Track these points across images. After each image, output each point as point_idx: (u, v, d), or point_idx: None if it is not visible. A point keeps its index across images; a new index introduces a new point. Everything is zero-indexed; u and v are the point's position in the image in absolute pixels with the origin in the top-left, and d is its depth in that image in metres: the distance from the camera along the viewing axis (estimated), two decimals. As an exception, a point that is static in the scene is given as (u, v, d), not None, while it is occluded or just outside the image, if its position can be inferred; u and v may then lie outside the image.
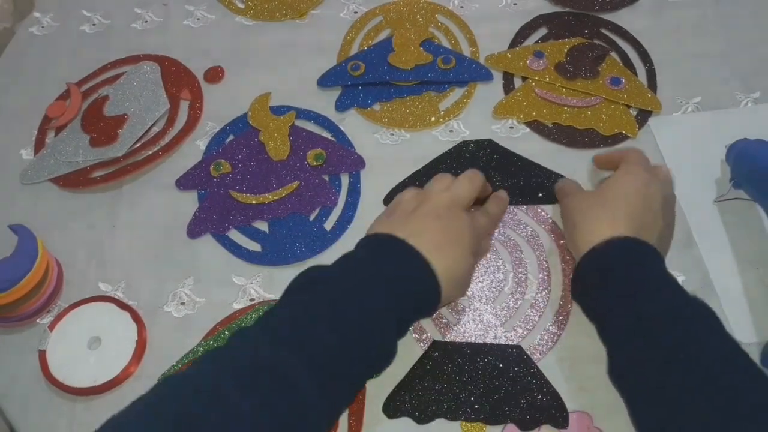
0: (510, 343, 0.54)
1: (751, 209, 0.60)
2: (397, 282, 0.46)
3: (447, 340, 0.54)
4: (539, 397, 0.51)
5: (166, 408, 0.37)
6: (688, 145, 0.64)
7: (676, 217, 0.59)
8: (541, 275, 0.57)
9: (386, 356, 0.46)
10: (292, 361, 0.40)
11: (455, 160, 0.64)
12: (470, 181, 0.54)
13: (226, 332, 0.56)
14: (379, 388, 0.52)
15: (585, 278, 0.49)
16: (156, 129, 0.68)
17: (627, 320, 0.45)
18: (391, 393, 0.52)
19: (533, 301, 0.56)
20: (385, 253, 0.48)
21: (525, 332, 0.55)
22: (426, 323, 0.56)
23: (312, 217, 0.62)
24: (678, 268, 0.57)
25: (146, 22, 0.77)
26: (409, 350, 0.54)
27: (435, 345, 0.54)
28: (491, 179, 0.62)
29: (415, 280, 0.47)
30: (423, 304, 0.48)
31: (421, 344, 0.54)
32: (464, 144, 0.64)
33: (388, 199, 0.62)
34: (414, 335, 0.55)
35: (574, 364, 0.53)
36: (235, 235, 0.62)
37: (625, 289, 0.46)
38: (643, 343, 0.44)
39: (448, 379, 0.52)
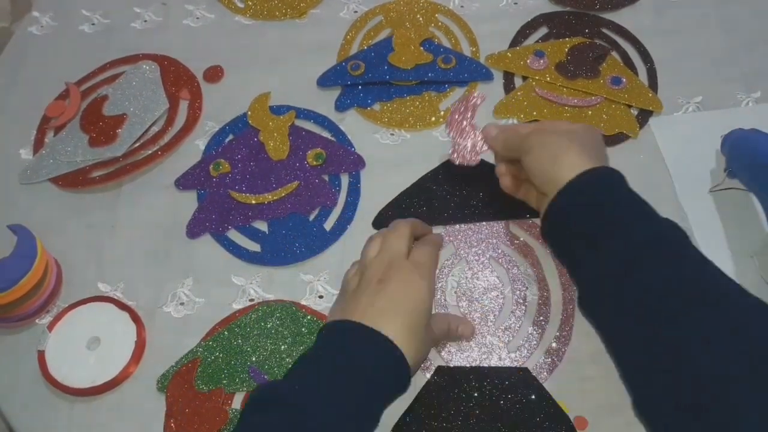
0: (515, 364, 0.53)
1: (749, 202, 0.60)
2: (358, 371, 0.44)
3: (451, 365, 0.54)
4: (548, 419, 0.50)
5: None
6: (689, 144, 0.64)
7: (674, 216, 0.59)
8: (540, 292, 0.57)
9: None
10: None
11: (442, 177, 0.62)
12: (397, 233, 0.52)
13: (226, 333, 0.56)
14: (384, 415, 0.50)
15: (566, 210, 0.48)
16: (155, 129, 0.68)
17: (621, 243, 0.45)
18: (398, 422, 0.51)
19: (535, 317, 0.56)
20: (342, 343, 0.46)
21: (529, 353, 0.54)
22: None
23: (312, 217, 0.62)
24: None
25: (146, 21, 0.77)
26: (414, 377, 0.53)
27: (439, 371, 0.53)
28: (477, 195, 0.61)
29: (378, 362, 0.45)
30: (392, 383, 0.46)
31: (426, 372, 0.53)
32: (450, 162, 0.64)
33: (376, 222, 0.61)
34: None
35: (574, 365, 0.53)
36: (234, 235, 0.62)
37: (616, 215, 0.47)
38: (652, 262, 0.44)
39: (455, 405, 0.51)
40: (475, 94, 0.58)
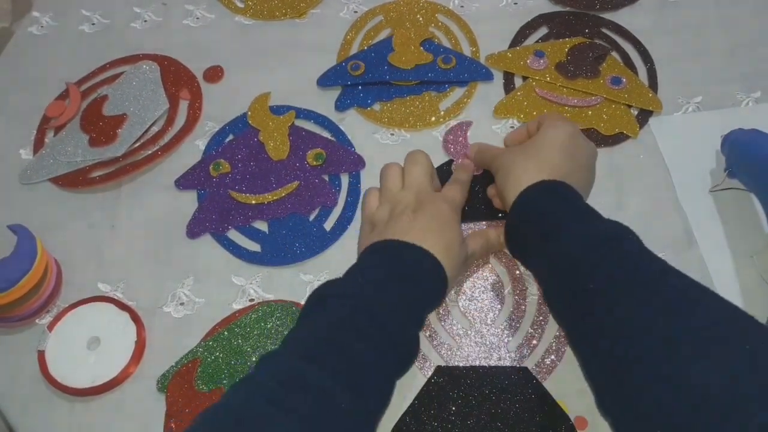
0: (515, 363, 0.53)
1: (749, 202, 0.60)
2: (405, 276, 0.47)
3: (451, 365, 0.54)
4: (548, 419, 0.50)
5: None
6: (688, 145, 0.64)
7: (674, 216, 0.59)
8: (540, 292, 0.56)
9: (411, 351, 0.47)
10: (322, 374, 0.40)
11: (442, 178, 0.62)
12: (418, 164, 0.55)
13: (226, 333, 0.56)
14: (384, 415, 0.50)
15: (519, 219, 0.51)
16: (155, 129, 0.68)
17: (558, 249, 0.47)
18: (397, 423, 0.51)
19: (534, 317, 0.56)
20: (386, 254, 0.49)
21: (529, 351, 0.54)
22: (429, 350, 0.55)
23: (312, 217, 0.62)
24: (678, 267, 0.57)
25: (145, 21, 0.77)
26: (413, 377, 0.53)
27: (439, 371, 0.53)
28: (477, 195, 0.61)
29: (421, 269, 0.48)
30: (434, 289, 0.49)
31: (425, 371, 0.53)
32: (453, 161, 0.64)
33: None
34: (417, 362, 0.54)
35: (574, 365, 0.53)
36: (234, 235, 0.62)
37: (551, 223, 0.48)
38: (599, 258, 0.45)
39: (454, 405, 0.51)
40: (464, 120, 0.66)
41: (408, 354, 0.47)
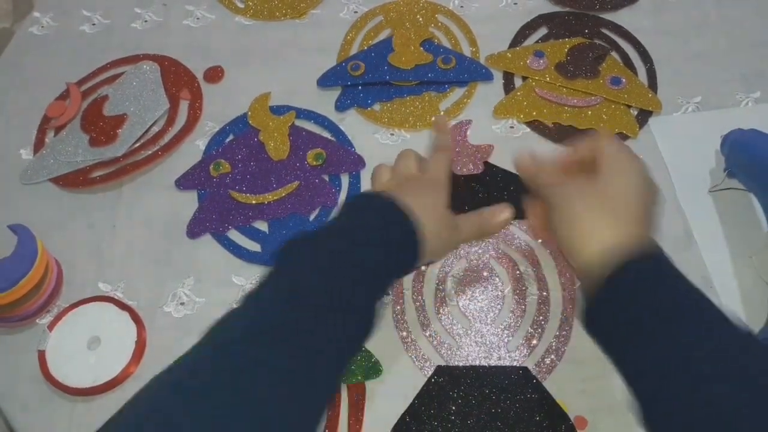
0: (515, 363, 0.54)
1: (748, 202, 0.60)
2: (369, 230, 0.43)
3: (451, 365, 0.54)
4: (547, 419, 0.50)
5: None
6: (688, 145, 0.64)
7: (674, 216, 0.59)
8: (539, 291, 0.57)
9: (366, 325, 0.41)
10: (253, 352, 0.36)
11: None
12: (405, 159, 0.51)
13: (226, 332, 0.56)
14: (384, 415, 0.52)
15: (605, 311, 0.42)
16: (156, 129, 0.68)
17: (672, 350, 0.38)
18: (398, 422, 0.51)
19: (534, 317, 0.56)
20: (356, 205, 0.46)
21: (529, 351, 0.54)
22: (429, 349, 0.55)
23: (312, 217, 0.62)
24: (677, 267, 0.57)
25: (146, 21, 0.77)
26: (413, 377, 0.53)
27: (439, 371, 0.53)
28: (477, 195, 0.61)
29: (387, 224, 0.43)
30: (403, 248, 0.44)
31: (425, 371, 0.54)
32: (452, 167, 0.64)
33: None
34: (417, 362, 0.54)
35: (574, 365, 0.53)
36: (234, 235, 0.62)
37: (657, 320, 0.40)
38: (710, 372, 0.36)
39: (454, 405, 0.51)
40: (464, 120, 0.66)
41: (364, 331, 0.41)
